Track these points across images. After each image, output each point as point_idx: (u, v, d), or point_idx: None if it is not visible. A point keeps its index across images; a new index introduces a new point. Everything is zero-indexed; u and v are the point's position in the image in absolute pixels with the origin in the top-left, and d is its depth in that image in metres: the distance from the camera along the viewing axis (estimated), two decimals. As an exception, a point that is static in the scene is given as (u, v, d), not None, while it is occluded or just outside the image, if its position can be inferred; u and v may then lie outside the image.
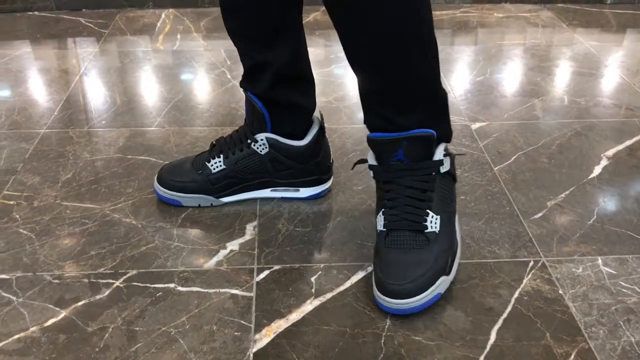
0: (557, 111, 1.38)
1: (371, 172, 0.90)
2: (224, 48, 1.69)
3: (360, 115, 1.29)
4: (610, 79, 1.55)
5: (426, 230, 0.85)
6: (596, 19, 1.97)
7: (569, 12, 2.03)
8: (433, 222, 0.85)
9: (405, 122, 0.84)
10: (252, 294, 0.86)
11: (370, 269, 0.90)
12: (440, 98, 0.88)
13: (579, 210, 1.04)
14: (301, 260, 0.92)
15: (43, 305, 0.84)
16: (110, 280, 0.88)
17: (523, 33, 1.86)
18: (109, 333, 0.80)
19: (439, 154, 0.86)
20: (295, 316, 0.83)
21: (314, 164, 1.03)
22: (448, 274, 0.85)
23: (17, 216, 1.01)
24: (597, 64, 1.63)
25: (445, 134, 0.90)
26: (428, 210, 0.85)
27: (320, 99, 1.41)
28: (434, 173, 0.86)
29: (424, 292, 0.81)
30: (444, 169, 0.87)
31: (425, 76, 0.84)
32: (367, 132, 0.89)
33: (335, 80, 1.51)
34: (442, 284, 0.84)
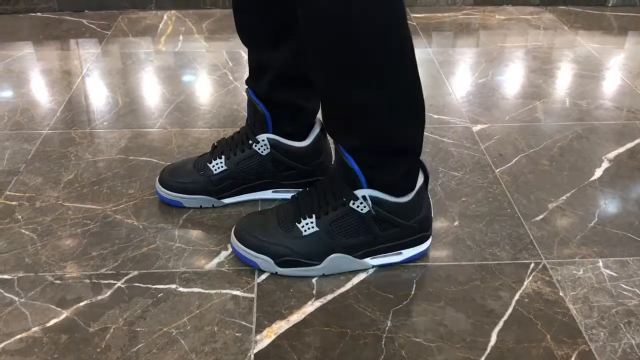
0: (559, 113, 1.38)
1: None
2: (226, 49, 1.69)
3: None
4: (612, 82, 1.55)
5: (298, 224, 0.89)
6: (598, 22, 1.98)
7: (571, 15, 2.03)
8: (307, 227, 0.88)
9: (345, 140, 0.85)
10: (253, 295, 0.86)
11: (371, 270, 0.91)
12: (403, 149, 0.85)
13: (580, 213, 1.04)
14: (302, 262, 0.92)
15: (45, 305, 0.84)
16: (112, 281, 0.88)
17: (525, 35, 1.86)
18: (110, 333, 0.80)
19: (360, 192, 0.85)
20: (296, 317, 0.83)
21: (316, 165, 1.02)
22: (275, 260, 0.88)
23: (19, 217, 1.02)
24: (598, 67, 1.63)
25: (383, 182, 0.86)
26: (307, 216, 0.89)
27: (321, 101, 1.42)
28: (344, 199, 0.87)
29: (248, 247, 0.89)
30: (360, 208, 0.86)
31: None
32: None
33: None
34: (265, 261, 0.89)
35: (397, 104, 0.80)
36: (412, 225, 0.89)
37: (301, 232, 0.88)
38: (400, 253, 0.91)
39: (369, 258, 0.90)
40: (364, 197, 0.85)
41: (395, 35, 0.76)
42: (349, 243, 0.88)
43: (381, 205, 0.86)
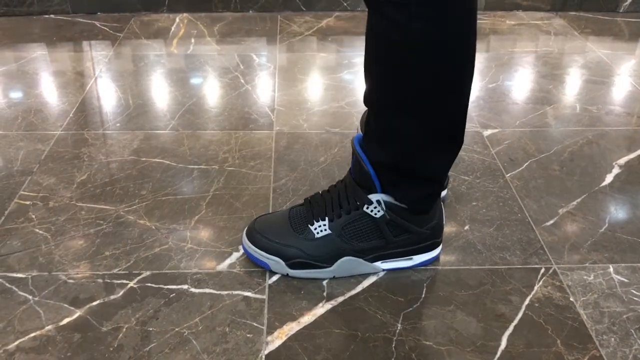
0: (569, 119, 1.38)
1: None
2: (237, 52, 1.70)
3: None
4: (622, 88, 1.55)
5: (311, 226, 0.89)
6: (608, 27, 1.97)
7: (582, 20, 2.03)
8: (319, 229, 0.88)
9: (370, 150, 0.84)
10: (265, 297, 0.87)
11: (381, 273, 0.91)
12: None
13: (591, 218, 1.04)
14: (313, 264, 0.93)
15: (58, 304, 0.85)
16: (125, 281, 0.89)
17: (535, 41, 1.86)
18: (122, 333, 0.81)
19: (375, 196, 0.85)
20: (307, 319, 0.83)
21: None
22: (286, 261, 0.89)
23: (33, 216, 1.03)
24: (609, 72, 1.63)
25: (397, 198, 0.86)
26: (320, 219, 0.89)
27: (331, 104, 1.42)
28: (358, 203, 0.87)
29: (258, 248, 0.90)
30: (374, 212, 0.86)
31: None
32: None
33: (347, 85, 1.51)
34: (276, 263, 0.89)
35: (438, 135, 0.81)
36: (424, 231, 0.89)
37: (313, 235, 0.88)
38: (411, 258, 0.91)
39: (379, 262, 0.91)
40: (378, 202, 0.85)
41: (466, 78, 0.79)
42: (361, 247, 0.88)
43: (395, 210, 0.86)
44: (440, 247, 0.94)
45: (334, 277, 0.90)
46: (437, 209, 0.90)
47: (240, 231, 0.99)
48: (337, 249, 0.88)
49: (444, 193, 1.05)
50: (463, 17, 0.74)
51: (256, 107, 1.41)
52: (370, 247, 0.89)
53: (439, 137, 0.81)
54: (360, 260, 0.89)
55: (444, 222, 0.93)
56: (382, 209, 0.86)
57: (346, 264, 0.89)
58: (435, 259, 0.94)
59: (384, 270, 0.91)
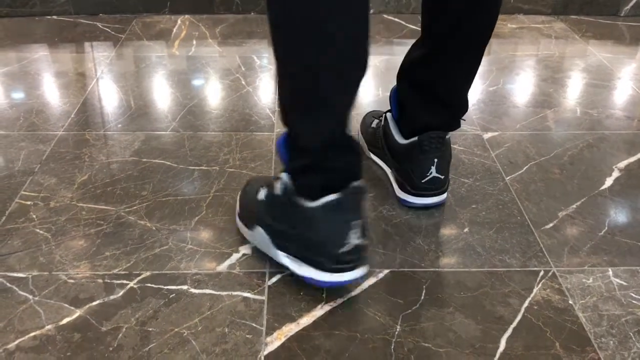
0: (569, 122, 1.38)
1: None
2: (239, 54, 1.71)
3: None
4: (623, 91, 1.55)
5: (262, 188, 0.91)
6: (610, 31, 1.98)
7: (583, 24, 2.03)
8: (261, 192, 0.90)
9: None
10: (264, 298, 0.87)
11: (381, 275, 0.91)
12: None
13: (590, 221, 1.04)
14: (313, 265, 0.93)
15: (58, 304, 0.85)
16: (125, 281, 0.89)
17: (536, 44, 1.86)
18: (122, 333, 0.81)
19: (284, 174, 0.83)
20: (306, 320, 0.83)
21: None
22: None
23: (34, 216, 1.03)
24: (610, 76, 1.63)
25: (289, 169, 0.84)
26: (265, 185, 0.90)
27: (333, 106, 1.43)
28: (275, 177, 0.87)
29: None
30: (277, 190, 0.84)
31: None
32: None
33: (348, 88, 1.52)
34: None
35: (294, 95, 0.79)
36: (307, 237, 0.82)
37: (255, 195, 0.92)
38: (301, 265, 0.84)
39: (282, 252, 0.87)
40: (283, 180, 0.83)
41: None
42: (268, 222, 0.88)
43: (287, 192, 0.82)
44: (349, 276, 0.82)
45: (254, 245, 0.93)
46: (328, 225, 0.80)
47: (239, 233, 0.99)
48: (257, 214, 0.90)
49: (442, 197, 1.05)
50: None
51: (257, 109, 1.41)
52: (274, 229, 0.87)
53: (295, 96, 0.79)
54: (268, 239, 0.88)
55: (343, 250, 0.80)
56: (281, 188, 0.83)
57: (259, 236, 0.90)
58: (322, 286, 0.84)
59: (283, 264, 0.87)
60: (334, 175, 0.80)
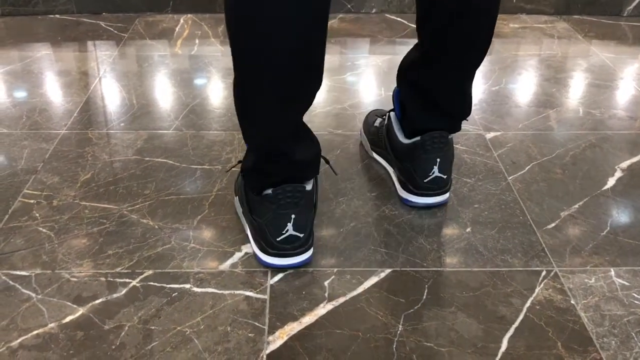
0: (572, 122, 1.38)
1: None
2: (241, 54, 1.70)
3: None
4: (626, 92, 1.55)
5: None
6: (612, 31, 1.97)
7: (585, 24, 2.03)
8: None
9: None
10: (266, 297, 0.87)
11: (383, 274, 0.91)
12: None
13: (593, 221, 1.04)
14: (315, 265, 0.93)
15: (61, 302, 0.85)
16: (127, 280, 0.90)
17: (539, 44, 1.86)
18: (125, 331, 0.81)
19: None
20: (308, 319, 0.83)
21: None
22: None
23: (37, 215, 1.03)
24: (612, 76, 1.63)
25: None
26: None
27: (335, 106, 1.43)
28: None
29: None
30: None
31: None
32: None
33: (350, 87, 1.52)
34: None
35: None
36: (252, 219, 0.93)
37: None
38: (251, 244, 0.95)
39: (247, 224, 0.97)
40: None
41: None
42: (240, 197, 0.99)
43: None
44: (274, 261, 0.91)
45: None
46: (262, 207, 0.90)
47: (242, 231, 0.99)
48: (239, 185, 0.99)
49: (445, 197, 1.05)
50: None
51: (259, 108, 1.41)
52: (242, 202, 0.97)
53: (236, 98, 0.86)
54: (240, 209, 0.99)
55: (273, 237, 0.90)
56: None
57: (236, 203, 1.01)
58: (266, 265, 0.92)
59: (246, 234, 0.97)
60: (273, 179, 0.89)
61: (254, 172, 0.91)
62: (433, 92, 0.99)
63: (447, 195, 1.06)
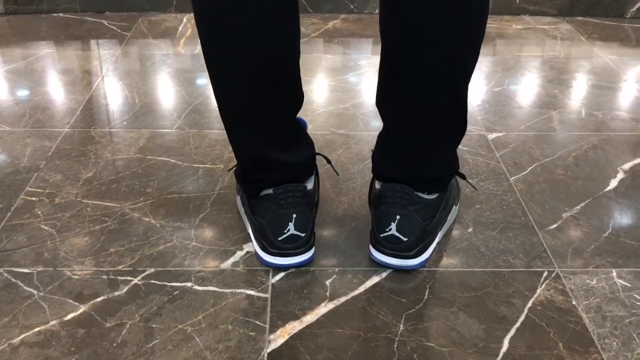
0: (574, 124, 1.38)
1: None
2: (244, 53, 1.71)
3: (376, 122, 1.30)
4: (628, 93, 1.55)
5: None
6: (615, 33, 1.97)
7: (588, 26, 2.03)
8: None
9: None
10: (268, 295, 0.87)
11: (384, 274, 0.91)
12: None
13: (595, 223, 1.04)
14: (316, 264, 0.93)
15: (63, 299, 0.86)
16: (129, 278, 0.90)
17: (542, 45, 1.86)
18: (126, 329, 0.81)
19: None
20: (309, 318, 0.84)
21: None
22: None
23: (39, 212, 1.03)
24: (615, 78, 1.63)
25: None
26: None
27: (337, 106, 1.43)
28: None
29: None
30: None
31: None
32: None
33: (353, 87, 1.52)
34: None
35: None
36: (253, 219, 0.94)
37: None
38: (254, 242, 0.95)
39: (248, 221, 0.99)
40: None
41: None
42: (241, 193, 1.01)
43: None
44: (269, 258, 0.90)
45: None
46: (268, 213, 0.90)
47: (244, 230, 1.00)
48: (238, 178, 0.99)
49: (407, 262, 0.91)
50: None
51: (262, 108, 1.41)
52: (244, 200, 0.98)
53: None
54: (242, 208, 0.99)
55: (271, 234, 0.89)
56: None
57: (239, 203, 1.01)
58: (263, 262, 0.91)
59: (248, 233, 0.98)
60: (265, 185, 0.91)
61: (245, 181, 0.94)
62: (389, 127, 0.88)
63: (412, 261, 0.90)
